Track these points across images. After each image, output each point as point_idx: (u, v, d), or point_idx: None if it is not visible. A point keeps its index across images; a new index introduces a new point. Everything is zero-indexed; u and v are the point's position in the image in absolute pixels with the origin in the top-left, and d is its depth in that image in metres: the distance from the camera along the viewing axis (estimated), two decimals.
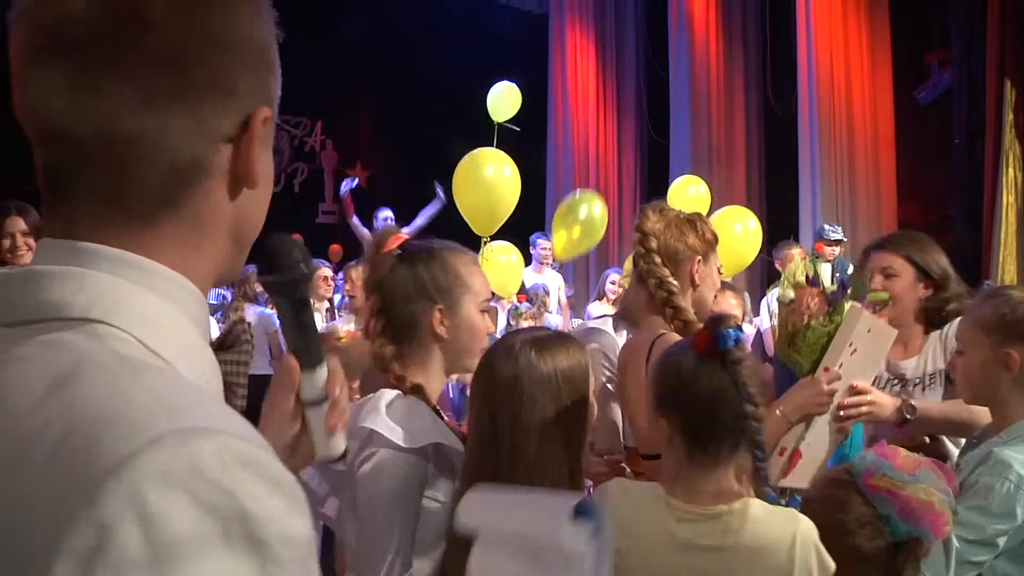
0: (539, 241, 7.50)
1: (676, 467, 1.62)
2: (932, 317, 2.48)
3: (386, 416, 1.59)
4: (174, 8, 0.66)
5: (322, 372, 1.00)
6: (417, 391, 1.68)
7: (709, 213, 7.17)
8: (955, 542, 1.78)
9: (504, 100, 7.47)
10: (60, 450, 0.55)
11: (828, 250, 6.92)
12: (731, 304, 2.98)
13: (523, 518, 0.84)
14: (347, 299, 4.94)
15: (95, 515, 0.52)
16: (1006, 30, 7.59)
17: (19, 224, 3.74)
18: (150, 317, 0.67)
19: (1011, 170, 7.61)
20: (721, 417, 1.59)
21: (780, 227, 8.92)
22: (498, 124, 7.16)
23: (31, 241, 3.73)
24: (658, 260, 2.18)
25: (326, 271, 5.79)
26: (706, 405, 1.59)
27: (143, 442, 0.54)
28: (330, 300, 5.81)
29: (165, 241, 0.69)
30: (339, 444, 1.04)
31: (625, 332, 2.43)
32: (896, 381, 2.52)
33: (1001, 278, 7.45)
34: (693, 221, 2.26)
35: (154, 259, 0.68)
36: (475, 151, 5.65)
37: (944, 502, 1.65)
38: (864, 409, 2.24)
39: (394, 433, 1.57)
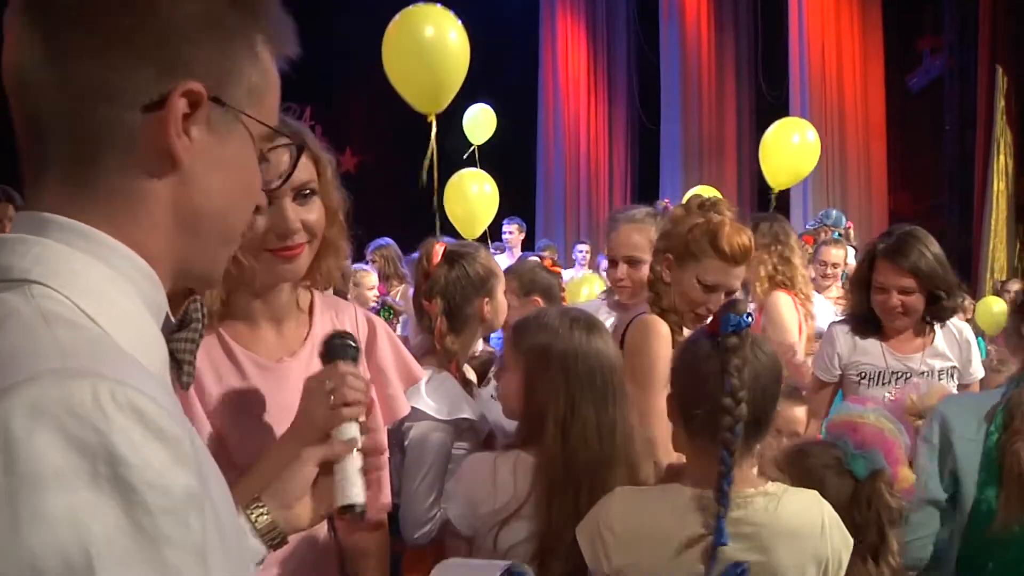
0: (504, 225, 7.36)
1: (692, 461, 1.56)
2: (934, 315, 2.67)
3: (425, 395, 1.94)
4: None
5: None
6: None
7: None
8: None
9: (480, 122, 7.41)
10: None
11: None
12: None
13: None
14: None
15: None
16: (998, 17, 7.60)
17: (8, 211, 3.72)
18: (91, 285, 0.67)
19: (1002, 157, 7.64)
20: (705, 403, 1.46)
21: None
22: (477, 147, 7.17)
23: None
24: None
25: (373, 278, 5.13)
26: (703, 389, 1.47)
27: (22, 378, 0.56)
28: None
29: (97, 205, 0.69)
30: (360, 494, 1.15)
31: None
32: (901, 374, 2.67)
33: (991, 265, 7.48)
34: None
35: (90, 223, 0.69)
36: (411, 7, 4.19)
37: (895, 432, 1.71)
38: None
39: (431, 409, 1.94)
